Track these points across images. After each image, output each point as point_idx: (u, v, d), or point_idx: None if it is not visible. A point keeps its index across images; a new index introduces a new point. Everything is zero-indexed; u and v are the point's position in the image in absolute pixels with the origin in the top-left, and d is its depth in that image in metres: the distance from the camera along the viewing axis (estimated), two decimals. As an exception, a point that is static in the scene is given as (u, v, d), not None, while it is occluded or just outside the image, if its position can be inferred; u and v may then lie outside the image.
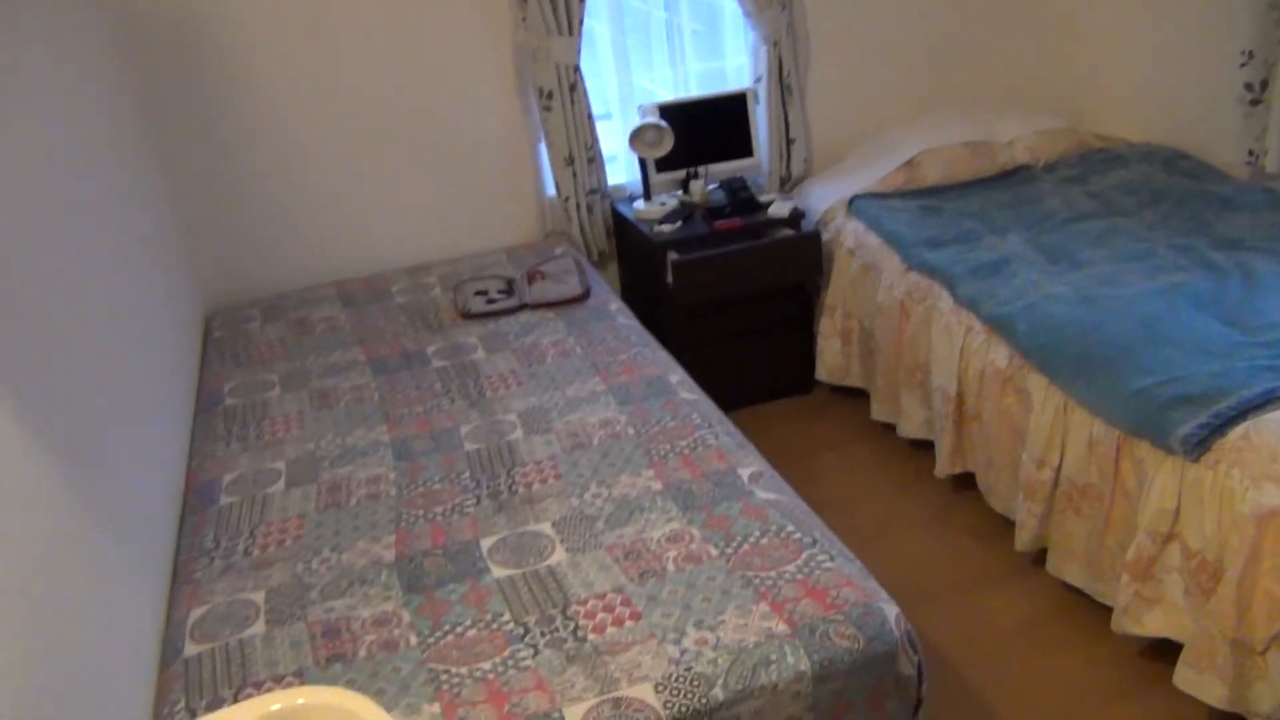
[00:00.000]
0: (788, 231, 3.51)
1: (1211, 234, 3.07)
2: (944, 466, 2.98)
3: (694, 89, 3.85)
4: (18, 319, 1.67)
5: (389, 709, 1.69)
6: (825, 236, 3.59)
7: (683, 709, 1.67)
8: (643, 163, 3.62)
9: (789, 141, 3.85)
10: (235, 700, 1.76)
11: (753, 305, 3.54)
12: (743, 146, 3.77)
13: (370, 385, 2.80)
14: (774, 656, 1.74)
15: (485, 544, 2.10)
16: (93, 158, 2.44)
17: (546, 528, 2.14)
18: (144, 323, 2.54)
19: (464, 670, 1.77)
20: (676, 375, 2.72)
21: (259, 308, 3.35)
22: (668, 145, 3.51)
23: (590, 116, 3.60)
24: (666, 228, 3.47)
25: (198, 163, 3.36)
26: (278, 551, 2.15)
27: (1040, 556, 2.67)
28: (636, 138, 3.49)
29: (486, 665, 1.78)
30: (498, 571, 2.01)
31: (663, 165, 3.67)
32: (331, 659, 1.83)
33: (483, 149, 3.64)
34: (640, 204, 3.65)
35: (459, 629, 1.87)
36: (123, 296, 2.39)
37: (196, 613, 1.99)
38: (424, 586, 1.99)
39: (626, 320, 3.08)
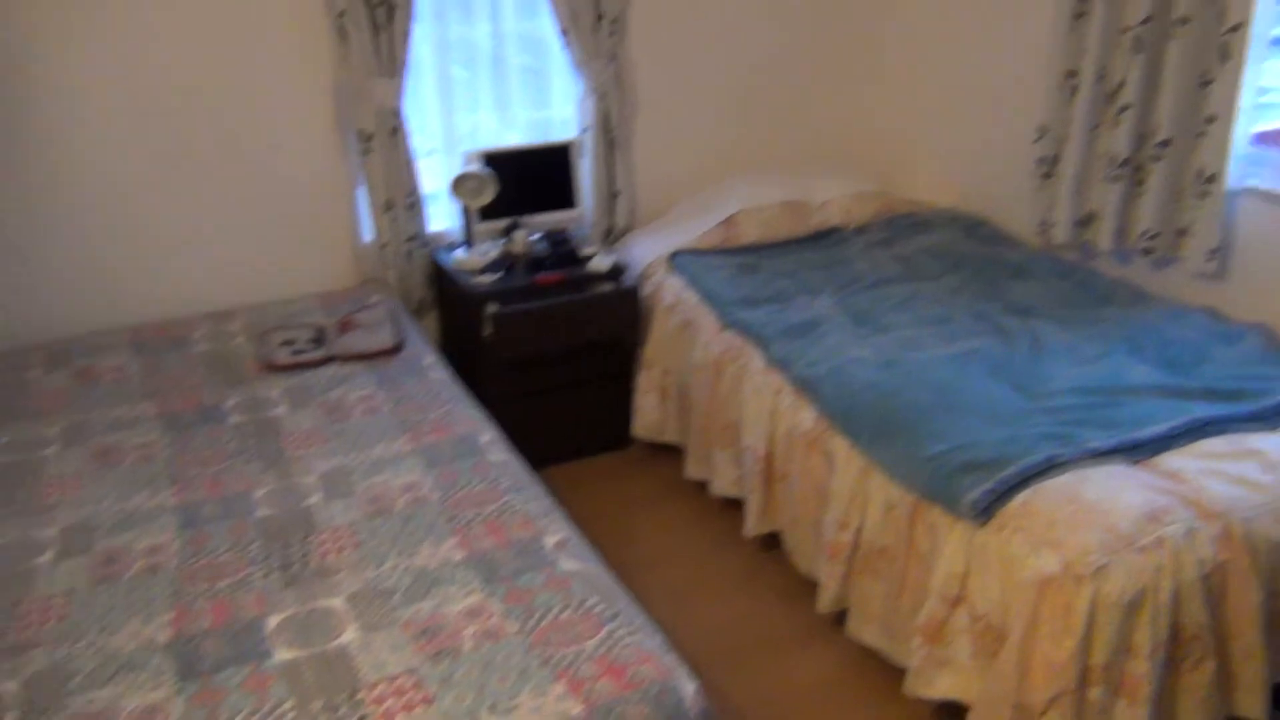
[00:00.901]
0: (608, 286, 3.51)
1: (1005, 300, 3.24)
2: (753, 526, 3.02)
3: (521, 135, 3.83)
4: None
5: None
6: (645, 292, 3.61)
7: (469, 801, 1.61)
8: (465, 210, 3.57)
9: (613, 194, 3.87)
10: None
11: (572, 359, 3.52)
12: (567, 198, 3.77)
13: (159, 443, 2.63)
14: (567, 741, 1.70)
15: (271, 622, 1.99)
16: None
17: (339, 603, 2.04)
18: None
19: (237, 766, 1.66)
20: (487, 434, 2.67)
21: (41, 354, 3.11)
22: (490, 194, 3.47)
23: (412, 161, 3.53)
24: (486, 278, 3.42)
25: (-25, 196, 3.11)
26: (39, 633, 1.97)
27: (842, 617, 2.73)
28: (459, 185, 3.44)
29: (262, 759, 1.67)
30: (282, 654, 1.90)
31: (485, 213, 3.62)
32: (89, 757, 1.69)
33: (298, 189, 3.51)
34: (461, 253, 3.59)
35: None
36: None
37: (-63, 706, 1.81)
38: (200, 672, 1.86)
39: (440, 374, 3.01)
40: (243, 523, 2.30)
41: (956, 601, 2.30)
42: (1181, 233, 3.13)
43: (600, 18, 3.60)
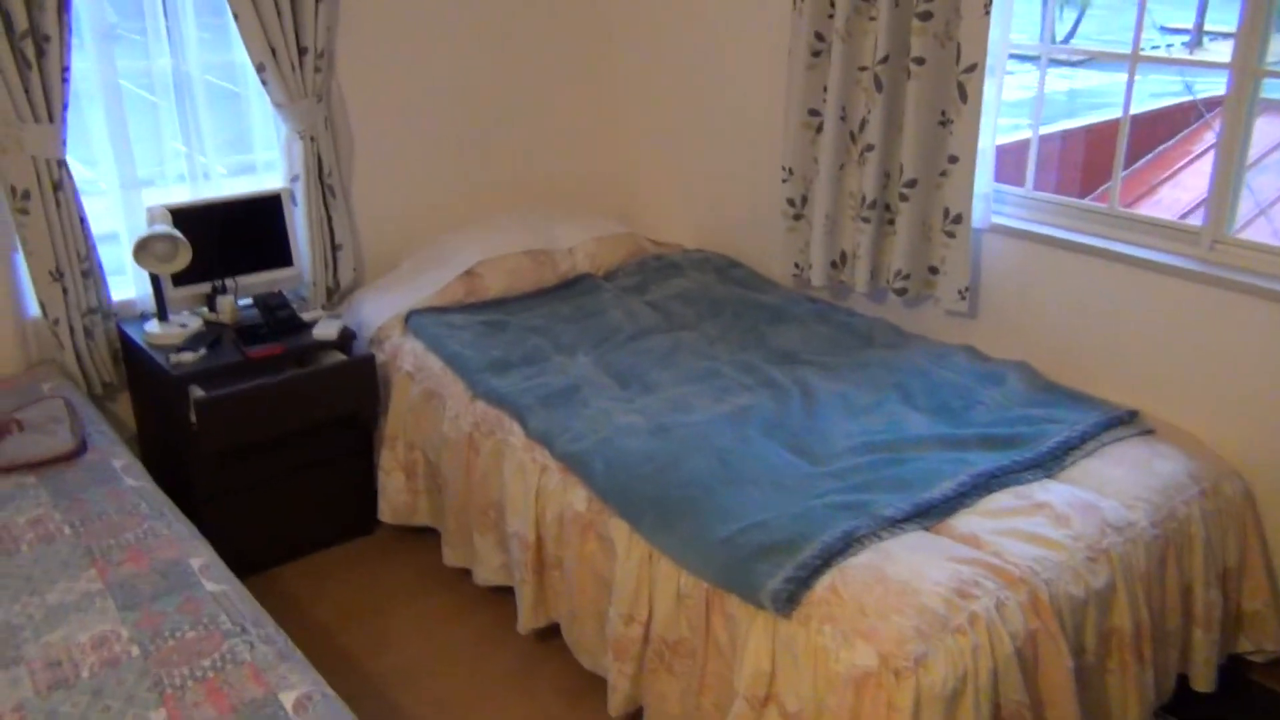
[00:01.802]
0: (337, 355, 3.08)
1: (768, 347, 3.10)
2: (526, 621, 2.69)
3: (220, 185, 3.31)
4: None
5: None
6: (380, 358, 3.21)
7: None
8: (155, 276, 3.02)
9: (334, 248, 3.43)
10: None
11: (301, 440, 3.05)
12: (280, 254, 3.30)
13: None
14: None
15: None
16: None
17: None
18: None
19: None
20: (201, 557, 2.19)
21: None
22: (185, 258, 2.95)
23: (83, 220, 2.95)
24: (188, 356, 2.90)
25: None
26: None
27: (638, 718, 2.46)
28: (144, 250, 2.90)
29: None
30: None
31: (184, 277, 3.09)
32: None
33: (-66, 259, 2.86)
34: (153, 326, 3.03)
35: None
36: None
37: None
38: None
39: (135, 481, 2.48)
40: None
41: (765, 701, 2.07)
42: (933, 271, 3.11)
43: (304, 52, 3.16)
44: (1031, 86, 3.10)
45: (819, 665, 1.97)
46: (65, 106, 2.84)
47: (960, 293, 3.02)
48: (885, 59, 2.99)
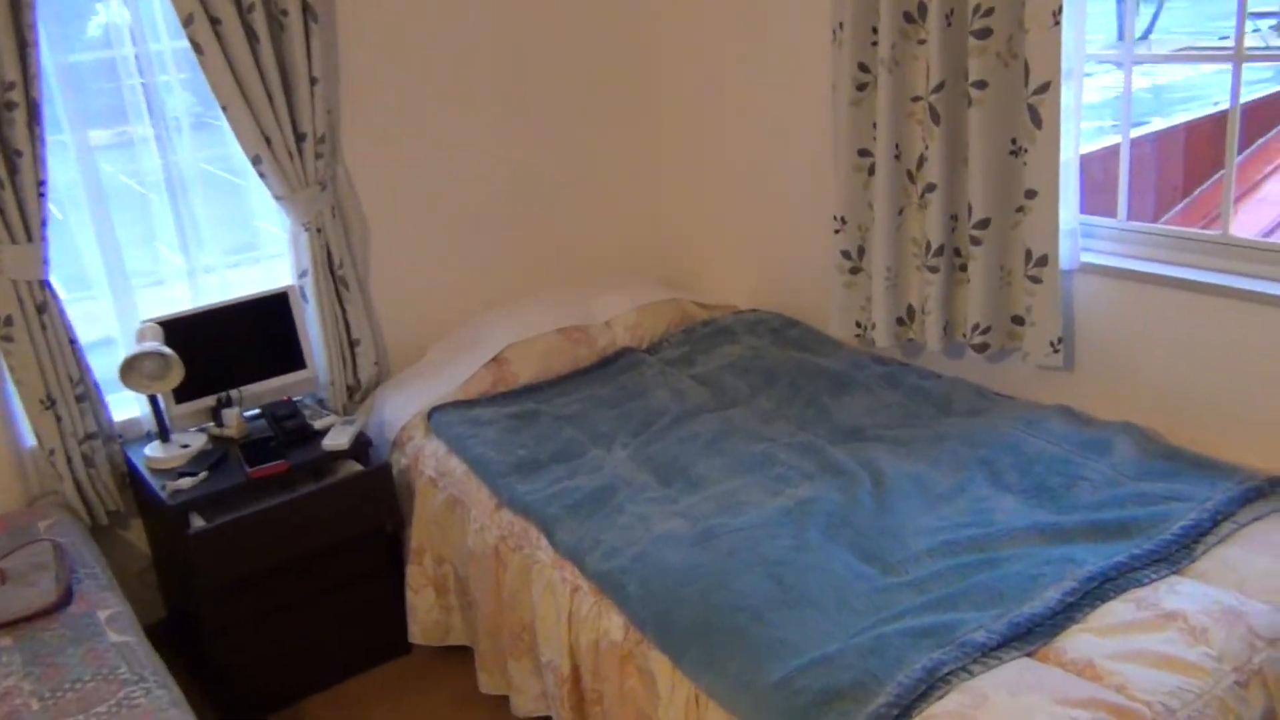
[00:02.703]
0: (353, 466, 2.79)
1: (830, 422, 2.72)
2: (568, 766, 2.34)
3: (221, 275, 3.06)
4: None
5: None
6: (403, 462, 2.91)
7: None
8: (152, 396, 2.78)
9: (352, 344, 3.16)
10: None
11: (319, 560, 2.76)
12: (292, 357, 3.04)
13: None
14: None
15: None
16: None
17: None
18: None
19: None
20: (179, 732, 1.90)
21: None
22: (178, 375, 2.70)
23: (73, 341, 2.74)
24: (186, 481, 2.64)
25: None
26: None
27: None
28: (132, 370, 2.65)
29: None
30: None
31: (185, 392, 2.85)
32: None
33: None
34: (154, 448, 2.79)
35: None
36: None
37: None
38: None
39: (121, 635, 2.21)
40: None
41: None
42: (1018, 321, 2.70)
43: (302, 138, 2.92)
44: (1110, 87, 2.68)
45: None
46: (45, 224, 2.63)
47: (1053, 345, 2.60)
48: (940, 86, 2.61)
